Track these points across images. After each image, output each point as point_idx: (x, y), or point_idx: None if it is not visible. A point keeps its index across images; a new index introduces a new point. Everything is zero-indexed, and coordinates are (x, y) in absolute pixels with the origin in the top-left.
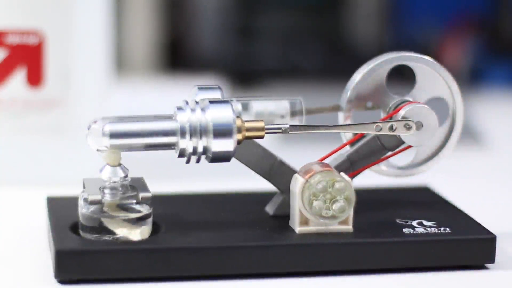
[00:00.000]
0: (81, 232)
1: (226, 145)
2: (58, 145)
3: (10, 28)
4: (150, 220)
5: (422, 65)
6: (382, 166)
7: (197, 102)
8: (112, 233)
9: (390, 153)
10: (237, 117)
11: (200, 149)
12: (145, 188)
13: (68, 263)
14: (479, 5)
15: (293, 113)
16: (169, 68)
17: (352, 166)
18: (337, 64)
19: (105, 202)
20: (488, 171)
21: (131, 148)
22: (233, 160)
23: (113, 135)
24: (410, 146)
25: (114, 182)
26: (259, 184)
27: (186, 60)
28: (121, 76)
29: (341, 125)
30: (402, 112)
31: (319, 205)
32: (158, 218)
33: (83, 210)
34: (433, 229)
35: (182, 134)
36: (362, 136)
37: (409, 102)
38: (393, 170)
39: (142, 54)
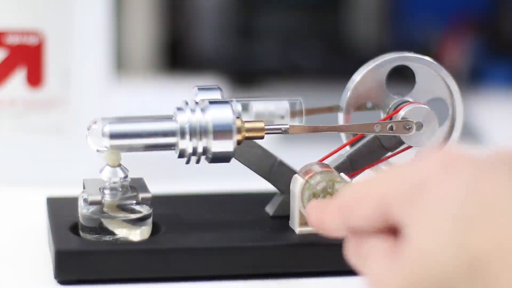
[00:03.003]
0: (81, 233)
1: (226, 145)
2: (58, 145)
3: (10, 28)
4: (150, 220)
5: (422, 65)
6: (382, 166)
7: (197, 103)
8: (112, 233)
9: (390, 153)
10: (237, 117)
11: (200, 150)
12: (145, 189)
13: (68, 264)
14: (479, 5)
15: (293, 114)
16: (169, 68)
17: (352, 166)
18: (337, 64)
19: (105, 202)
20: None
21: (131, 148)
22: (233, 160)
23: (113, 136)
24: (410, 146)
25: (114, 182)
26: (259, 184)
27: (186, 60)
28: (121, 76)
29: (341, 126)
30: (402, 113)
31: None
32: (158, 219)
33: (83, 210)
34: None
35: (182, 134)
36: (362, 136)
37: (409, 102)
38: None
39: (142, 54)
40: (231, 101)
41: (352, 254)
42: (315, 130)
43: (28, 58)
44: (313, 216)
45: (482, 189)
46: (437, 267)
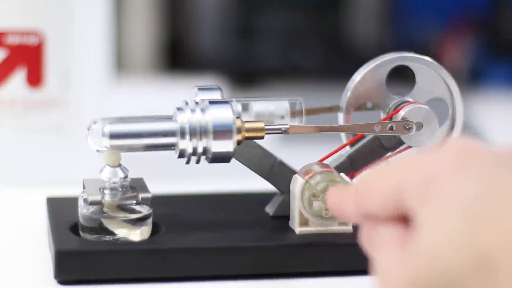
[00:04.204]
0: (81, 233)
1: (226, 145)
2: (58, 145)
3: (10, 28)
4: (150, 220)
5: (422, 65)
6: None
7: (197, 103)
8: (112, 233)
9: (390, 153)
10: (237, 117)
11: (200, 150)
12: (145, 189)
13: (68, 264)
14: (479, 5)
15: (293, 114)
16: (169, 68)
17: (352, 166)
18: (337, 64)
19: (105, 202)
20: None
21: (131, 148)
22: (233, 160)
23: (113, 136)
24: (410, 146)
25: (114, 182)
26: (259, 184)
27: (186, 60)
28: (121, 76)
29: (341, 126)
30: (402, 113)
31: (319, 206)
32: (158, 219)
33: (83, 210)
34: None
35: (182, 134)
36: (362, 136)
37: (409, 102)
38: None
39: (142, 54)
40: (231, 101)
41: (365, 240)
42: (315, 130)
43: (28, 58)
44: (331, 202)
45: (494, 186)
46: (445, 262)
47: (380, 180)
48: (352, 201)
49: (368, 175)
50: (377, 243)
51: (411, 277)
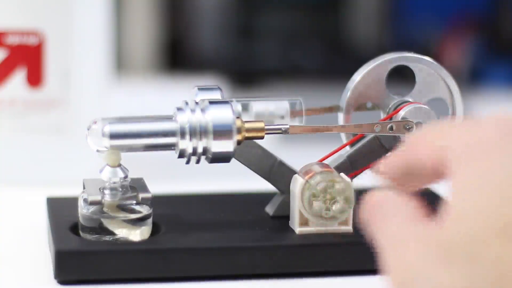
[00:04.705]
0: (81, 233)
1: (226, 145)
2: (58, 145)
3: (10, 28)
4: (150, 220)
5: (422, 65)
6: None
7: (197, 103)
8: (112, 233)
9: (390, 153)
10: (237, 117)
11: (200, 150)
12: (145, 189)
13: (68, 264)
14: (479, 5)
15: (293, 114)
16: (169, 68)
17: (352, 166)
18: (337, 64)
19: (105, 202)
20: None
21: (131, 148)
22: (233, 160)
23: (113, 136)
24: None
25: (114, 182)
26: (259, 184)
27: (186, 60)
28: (121, 76)
29: (341, 126)
30: (402, 113)
31: (319, 206)
32: (158, 219)
33: (83, 210)
34: None
35: (182, 134)
36: (362, 136)
37: (409, 102)
38: None
39: (142, 54)
40: (231, 101)
41: (371, 211)
42: (315, 130)
43: (28, 58)
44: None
45: None
46: (469, 227)
47: (429, 136)
48: (399, 153)
49: (421, 129)
50: (385, 215)
51: (436, 243)
